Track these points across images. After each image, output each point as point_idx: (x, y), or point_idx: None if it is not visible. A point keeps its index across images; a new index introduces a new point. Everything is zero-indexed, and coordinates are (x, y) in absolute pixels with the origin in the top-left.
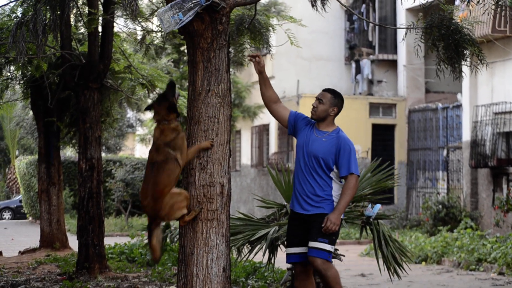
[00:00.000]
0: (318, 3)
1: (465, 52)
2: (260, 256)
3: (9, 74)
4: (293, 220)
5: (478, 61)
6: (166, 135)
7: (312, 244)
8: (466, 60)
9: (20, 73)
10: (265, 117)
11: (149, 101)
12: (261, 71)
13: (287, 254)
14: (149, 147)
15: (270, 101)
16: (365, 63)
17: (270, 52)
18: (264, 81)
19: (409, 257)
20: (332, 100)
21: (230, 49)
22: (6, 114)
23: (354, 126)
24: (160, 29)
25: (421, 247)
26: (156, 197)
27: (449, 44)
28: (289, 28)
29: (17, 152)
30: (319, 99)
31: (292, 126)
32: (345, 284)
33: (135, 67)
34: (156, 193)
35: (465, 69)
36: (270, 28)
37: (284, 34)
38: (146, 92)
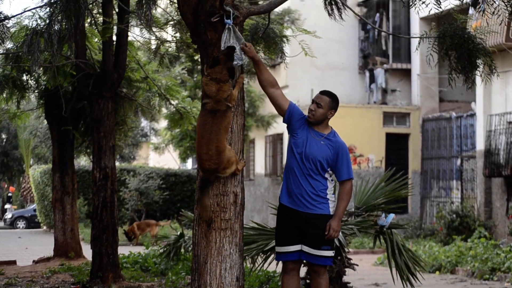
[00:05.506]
0: (335, 12)
1: (478, 62)
2: (273, 265)
3: (24, 83)
4: (289, 218)
5: (490, 71)
6: (224, 91)
7: (317, 252)
8: (478, 70)
9: (34, 82)
10: (278, 127)
11: (164, 110)
12: (252, 57)
13: (281, 252)
14: (164, 155)
15: (267, 84)
16: (379, 72)
17: (285, 61)
18: (257, 66)
19: (422, 267)
20: (331, 103)
21: None
22: (23, 122)
23: (368, 135)
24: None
25: (435, 256)
26: (221, 149)
27: (462, 54)
28: (303, 40)
29: (31, 161)
30: (317, 103)
31: (288, 118)
32: None
33: (152, 79)
34: (220, 144)
35: (478, 78)
36: (284, 39)
37: (299, 42)
38: (161, 102)
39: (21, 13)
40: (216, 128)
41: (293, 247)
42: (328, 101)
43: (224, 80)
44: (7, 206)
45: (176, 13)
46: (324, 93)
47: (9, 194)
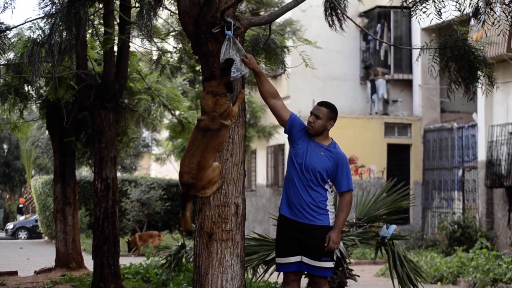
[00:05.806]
0: (336, 22)
1: (478, 73)
2: (275, 276)
3: (26, 93)
4: (289, 229)
5: (490, 83)
6: (221, 105)
7: (317, 263)
8: (479, 81)
9: (35, 93)
10: (280, 137)
11: (166, 120)
12: (253, 68)
13: (282, 263)
14: (166, 166)
15: (268, 95)
16: (381, 83)
17: (286, 72)
18: (258, 77)
19: (424, 278)
20: (329, 114)
21: None
22: (24, 134)
23: (370, 146)
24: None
25: (436, 267)
26: (202, 166)
27: (462, 65)
28: (304, 50)
29: (33, 172)
30: (315, 114)
31: (289, 129)
32: None
33: (154, 89)
34: (204, 160)
35: (479, 89)
36: (285, 50)
37: (299, 53)
38: (163, 112)
39: (22, 24)
40: (203, 145)
41: (293, 258)
42: (326, 112)
43: (221, 93)
44: (21, 218)
45: (177, 23)
46: (322, 104)
47: (20, 206)
